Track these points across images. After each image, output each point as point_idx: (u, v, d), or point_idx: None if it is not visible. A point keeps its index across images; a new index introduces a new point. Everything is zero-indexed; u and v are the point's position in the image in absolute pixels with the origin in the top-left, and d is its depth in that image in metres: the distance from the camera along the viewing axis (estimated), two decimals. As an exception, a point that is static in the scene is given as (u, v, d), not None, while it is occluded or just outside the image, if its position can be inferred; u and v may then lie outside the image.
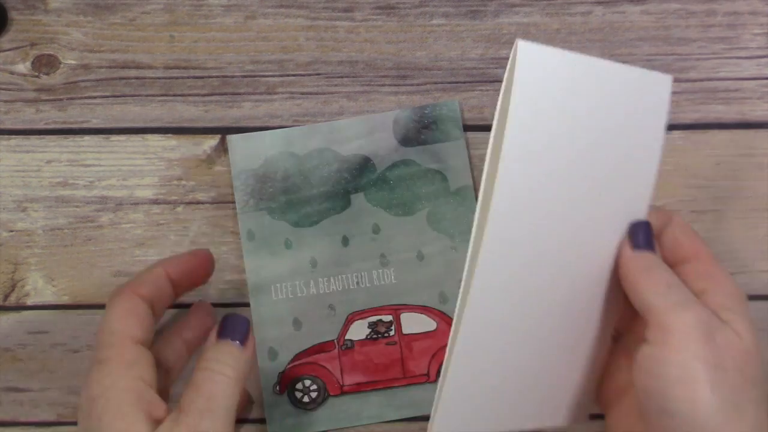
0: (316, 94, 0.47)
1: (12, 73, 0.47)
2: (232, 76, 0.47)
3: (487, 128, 0.44)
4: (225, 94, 0.47)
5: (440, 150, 0.45)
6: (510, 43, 0.47)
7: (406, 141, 0.45)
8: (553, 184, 0.36)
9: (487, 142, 0.45)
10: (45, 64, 0.47)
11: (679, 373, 0.33)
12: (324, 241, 0.44)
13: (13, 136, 0.46)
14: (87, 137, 0.47)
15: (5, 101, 0.47)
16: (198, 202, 0.46)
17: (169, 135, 0.47)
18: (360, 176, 0.44)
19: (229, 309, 0.45)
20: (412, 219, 0.44)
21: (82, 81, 0.47)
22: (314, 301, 0.43)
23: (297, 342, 0.43)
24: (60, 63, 0.47)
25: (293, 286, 0.43)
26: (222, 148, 0.46)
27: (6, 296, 0.46)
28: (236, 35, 0.47)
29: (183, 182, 0.46)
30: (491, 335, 0.36)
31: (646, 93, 0.38)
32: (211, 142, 0.47)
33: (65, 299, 0.46)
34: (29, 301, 0.46)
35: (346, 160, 0.44)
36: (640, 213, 0.37)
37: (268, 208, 0.43)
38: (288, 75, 0.47)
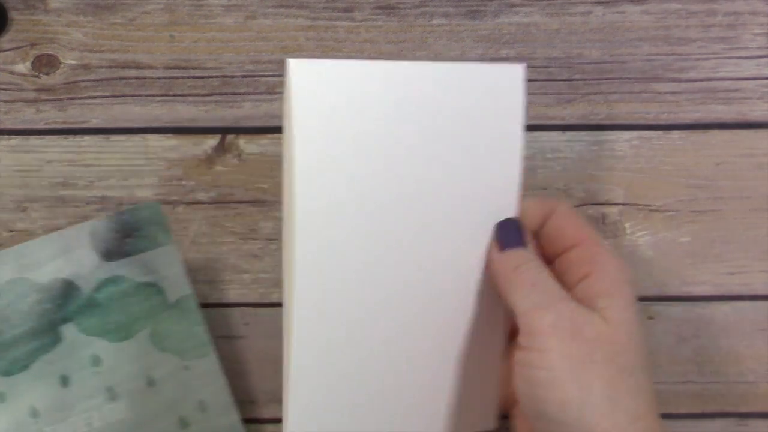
0: (316, 94, 0.47)
1: (12, 73, 0.47)
2: (232, 76, 0.47)
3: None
4: (225, 94, 0.47)
5: (150, 259, 0.40)
6: (510, 43, 0.47)
7: (109, 255, 0.40)
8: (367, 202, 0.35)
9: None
10: (45, 64, 0.47)
11: (546, 375, 0.32)
12: (40, 385, 0.38)
13: (13, 136, 0.46)
14: (87, 137, 0.47)
15: (5, 101, 0.47)
16: (198, 202, 0.46)
17: (169, 135, 0.47)
18: (65, 304, 0.39)
19: (232, 308, 0.45)
20: (133, 342, 0.39)
21: (82, 81, 0.47)
22: None
23: None
24: (60, 63, 0.47)
25: None
26: (222, 148, 0.46)
27: (6, 296, 0.46)
28: (236, 35, 0.47)
29: (183, 182, 0.46)
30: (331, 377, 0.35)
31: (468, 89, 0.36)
32: (211, 142, 0.47)
33: (65, 299, 0.46)
34: (29, 301, 0.46)
35: (45, 288, 0.39)
36: (508, 211, 0.36)
37: None
38: (288, 75, 0.47)
